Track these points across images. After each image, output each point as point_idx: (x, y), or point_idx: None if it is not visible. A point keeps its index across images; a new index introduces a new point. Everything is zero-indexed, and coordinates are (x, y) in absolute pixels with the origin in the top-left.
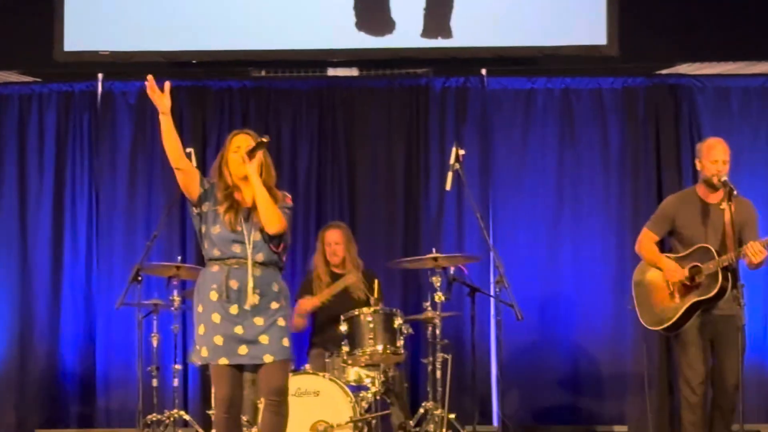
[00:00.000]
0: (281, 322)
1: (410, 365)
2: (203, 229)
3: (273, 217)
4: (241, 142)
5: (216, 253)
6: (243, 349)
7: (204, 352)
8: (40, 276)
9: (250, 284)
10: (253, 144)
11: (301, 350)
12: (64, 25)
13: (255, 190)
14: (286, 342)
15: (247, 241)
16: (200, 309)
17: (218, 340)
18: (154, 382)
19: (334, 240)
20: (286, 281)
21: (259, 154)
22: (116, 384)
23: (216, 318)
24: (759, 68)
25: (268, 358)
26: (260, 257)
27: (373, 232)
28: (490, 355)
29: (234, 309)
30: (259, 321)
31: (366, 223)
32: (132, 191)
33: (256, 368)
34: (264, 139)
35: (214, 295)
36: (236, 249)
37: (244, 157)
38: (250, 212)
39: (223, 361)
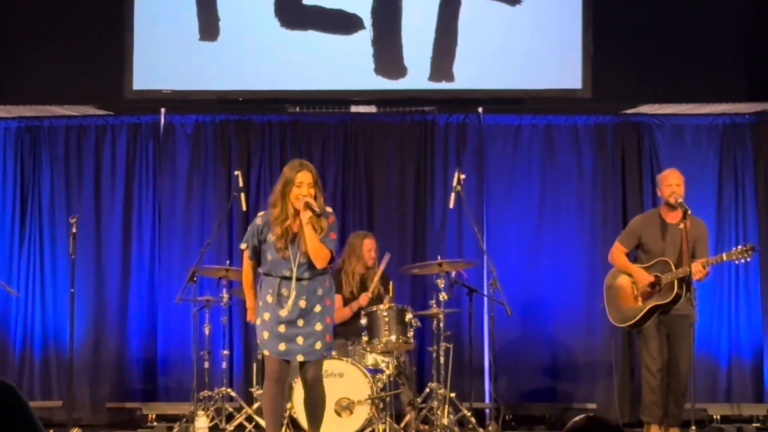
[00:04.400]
0: (318, 326)
1: (418, 352)
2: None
3: (320, 256)
4: (303, 178)
5: (269, 272)
6: (282, 346)
7: (259, 340)
8: (111, 275)
9: (292, 297)
10: (314, 192)
11: None
12: (133, 69)
13: (306, 237)
14: (318, 345)
15: (293, 265)
16: (260, 304)
17: (265, 334)
18: (206, 365)
19: (373, 246)
20: None
21: (316, 186)
22: (174, 365)
23: (266, 316)
24: (707, 109)
25: (299, 358)
26: (306, 275)
27: (387, 241)
28: (484, 345)
29: (284, 312)
30: (300, 322)
31: (382, 234)
32: (188, 205)
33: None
34: (327, 210)
35: (270, 298)
36: (286, 272)
37: (303, 206)
38: (297, 237)
39: (266, 352)
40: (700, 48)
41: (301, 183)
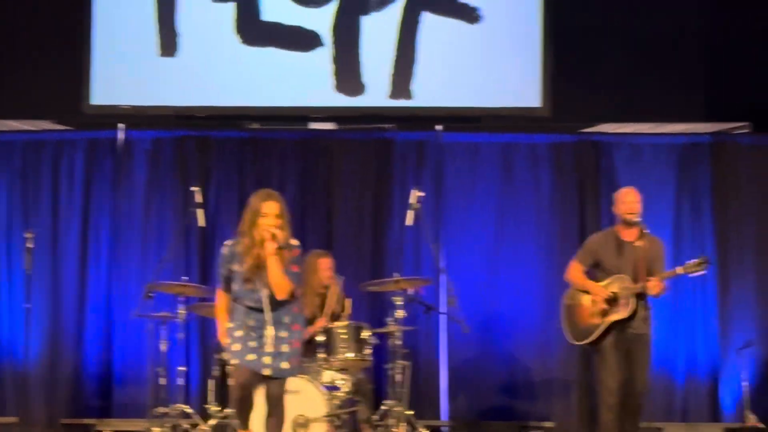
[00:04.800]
0: (285, 348)
1: (375, 370)
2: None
3: (282, 288)
4: (269, 208)
5: (236, 300)
6: (251, 356)
7: (229, 353)
8: (68, 290)
9: (270, 335)
10: (279, 223)
11: None
12: (91, 83)
13: (269, 268)
14: (284, 365)
15: (261, 295)
16: (229, 325)
17: (236, 346)
18: (162, 381)
19: (330, 266)
20: None
21: (282, 218)
22: (130, 382)
23: (236, 347)
24: (666, 128)
25: (266, 371)
26: (271, 305)
27: (346, 258)
28: (442, 363)
29: (252, 342)
30: (269, 348)
31: (340, 251)
32: (146, 221)
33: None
34: (293, 245)
35: (237, 332)
36: (250, 303)
37: (269, 239)
38: (263, 267)
39: (235, 361)
40: (658, 68)
41: (267, 213)
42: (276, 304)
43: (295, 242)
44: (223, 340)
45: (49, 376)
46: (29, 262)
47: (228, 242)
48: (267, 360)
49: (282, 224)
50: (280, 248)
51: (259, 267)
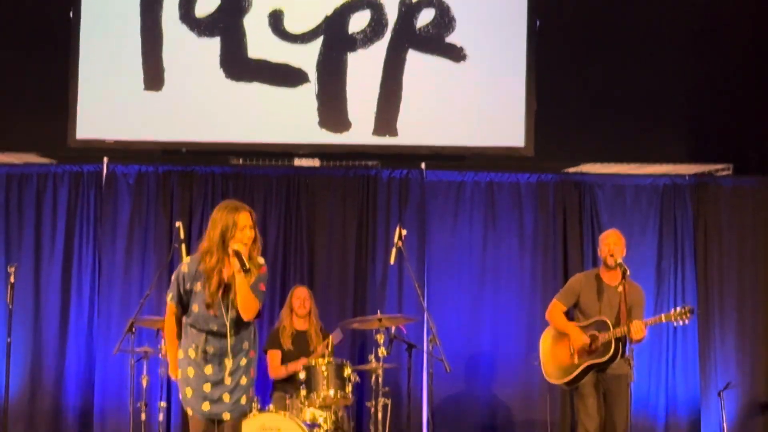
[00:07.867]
0: (244, 380)
1: (356, 408)
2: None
3: (249, 308)
4: (246, 221)
5: (194, 324)
6: (206, 405)
7: (181, 395)
8: (49, 324)
9: (229, 366)
10: (254, 235)
11: (266, 392)
12: (77, 117)
13: (237, 286)
14: (243, 400)
15: (226, 320)
16: (181, 356)
17: (189, 392)
18: (143, 416)
19: (303, 296)
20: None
21: (255, 229)
22: (111, 417)
23: (190, 372)
24: (648, 169)
25: (225, 416)
26: (233, 330)
27: (328, 296)
28: (423, 401)
29: (208, 369)
30: (228, 380)
31: (322, 288)
32: (129, 256)
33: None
34: (259, 260)
35: (192, 353)
36: (213, 326)
37: (233, 255)
38: (229, 289)
39: (189, 411)
40: (641, 109)
41: (245, 226)
42: (239, 328)
43: (261, 260)
44: (175, 373)
45: (30, 410)
46: (11, 296)
47: (187, 260)
48: (226, 398)
49: (256, 235)
50: (246, 270)
51: (226, 288)
